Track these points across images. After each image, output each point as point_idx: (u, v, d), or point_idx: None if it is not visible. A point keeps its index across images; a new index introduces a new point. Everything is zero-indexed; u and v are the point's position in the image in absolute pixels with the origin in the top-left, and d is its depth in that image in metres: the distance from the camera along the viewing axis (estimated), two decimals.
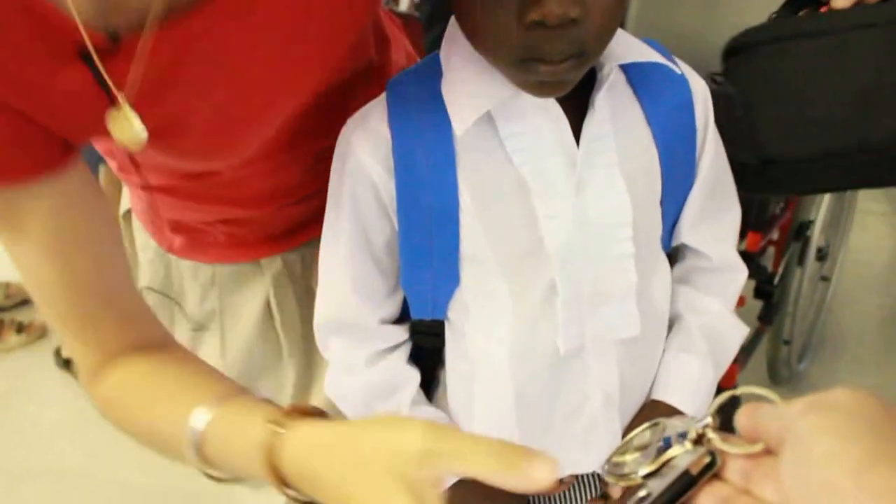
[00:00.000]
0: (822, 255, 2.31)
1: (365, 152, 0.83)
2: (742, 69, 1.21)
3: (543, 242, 0.83)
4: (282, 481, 0.61)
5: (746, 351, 2.15)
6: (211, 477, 0.72)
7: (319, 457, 0.58)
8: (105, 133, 0.69)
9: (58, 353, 2.62)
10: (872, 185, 1.30)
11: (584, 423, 0.91)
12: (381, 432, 0.55)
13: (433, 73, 0.83)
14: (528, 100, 0.79)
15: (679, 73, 0.87)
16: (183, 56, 0.69)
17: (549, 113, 0.81)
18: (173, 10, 0.66)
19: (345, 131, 0.86)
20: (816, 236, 2.07)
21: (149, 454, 2.35)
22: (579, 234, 0.83)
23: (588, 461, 0.94)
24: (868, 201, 3.03)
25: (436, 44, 0.86)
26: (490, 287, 0.86)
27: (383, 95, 0.85)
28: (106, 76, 0.65)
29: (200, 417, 0.68)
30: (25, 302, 2.95)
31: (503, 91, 0.78)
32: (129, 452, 2.27)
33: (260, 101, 0.80)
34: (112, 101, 0.67)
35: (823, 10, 1.15)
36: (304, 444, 0.60)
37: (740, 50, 1.22)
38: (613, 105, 0.84)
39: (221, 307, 1.08)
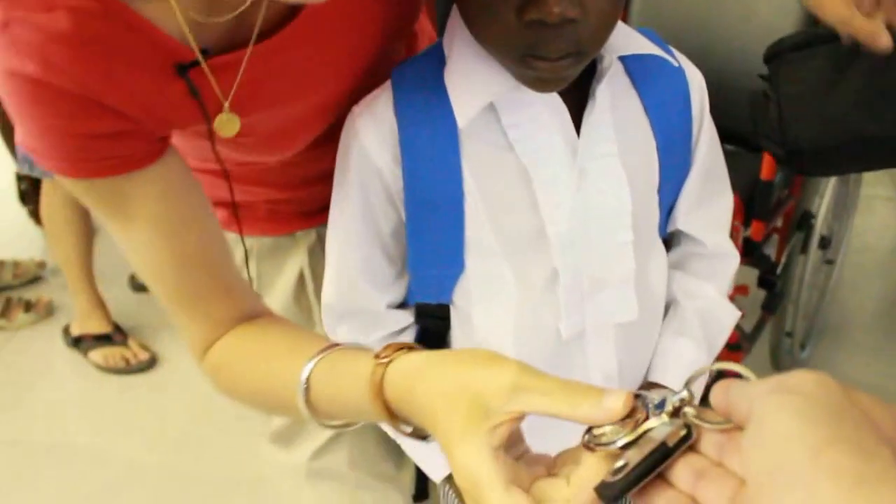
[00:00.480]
0: (825, 244, 2.33)
1: (371, 140, 0.85)
2: (777, 73, 1.37)
3: (545, 230, 0.85)
4: (387, 409, 0.65)
5: (750, 339, 2.17)
6: (324, 425, 0.76)
7: (415, 380, 0.62)
8: (191, 128, 0.78)
9: (66, 331, 2.65)
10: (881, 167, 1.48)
11: None
12: (476, 363, 0.59)
13: (436, 61, 0.85)
14: (529, 90, 0.80)
15: (676, 65, 0.89)
16: (260, 72, 0.79)
17: (550, 103, 0.83)
18: (260, 35, 0.77)
19: (350, 119, 0.87)
20: (820, 225, 2.08)
21: (156, 433, 2.39)
22: (580, 222, 0.85)
23: None
24: (873, 186, 3.04)
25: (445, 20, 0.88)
26: (494, 273, 0.88)
27: (388, 83, 0.87)
28: (196, 88, 0.75)
29: (308, 365, 0.72)
30: (34, 280, 2.98)
31: (505, 83, 0.80)
32: (137, 431, 2.33)
33: (318, 109, 0.87)
34: (202, 107, 0.77)
35: None
36: (403, 369, 0.64)
37: (773, 56, 1.37)
38: (613, 96, 0.85)
39: (258, 274, 1.12)
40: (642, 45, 0.85)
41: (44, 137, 0.72)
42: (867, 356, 2.45)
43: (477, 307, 0.90)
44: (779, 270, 2.07)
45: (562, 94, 0.82)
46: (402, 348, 0.66)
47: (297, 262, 1.11)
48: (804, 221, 2.05)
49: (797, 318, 2.22)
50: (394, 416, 0.65)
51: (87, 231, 2.56)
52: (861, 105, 1.25)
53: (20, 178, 3.19)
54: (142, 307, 2.84)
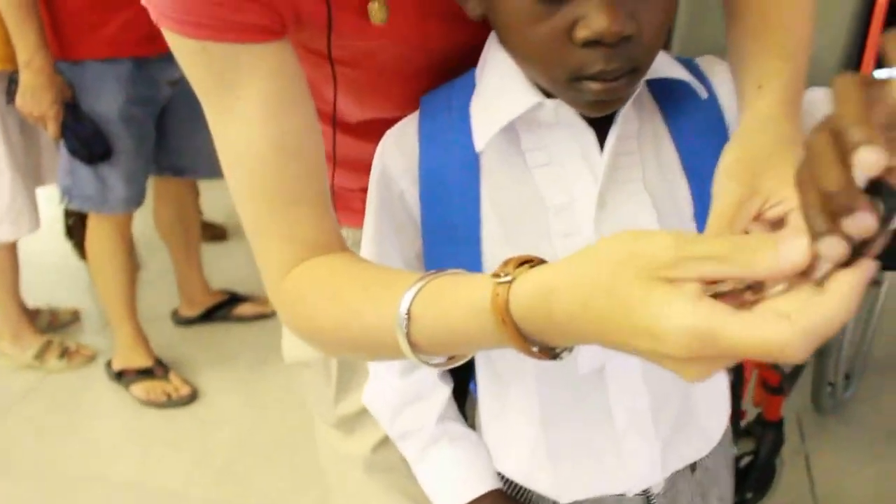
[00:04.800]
0: (876, 281, 2.28)
1: (395, 163, 0.85)
2: None
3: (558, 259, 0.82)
4: (515, 330, 0.61)
5: (790, 381, 2.14)
6: (423, 362, 0.72)
7: (551, 301, 0.59)
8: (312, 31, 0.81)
9: (108, 365, 2.69)
10: None
11: (611, 439, 0.90)
12: (625, 247, 0.55)
13: (467, 89, 0.83)
14: (551, 113, 0.78)
15: (705, 96, 0.84)
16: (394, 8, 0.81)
17: (573, 126, 0.80)
18: None
19: (381, 142, 0.87)
20: None
21: (197, 466, 2.41)
22: None
23: (623, 478, 0.93)
24: None
25: None
26: None
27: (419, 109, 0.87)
28: None
29: (408, 294, 0.68)
30: (69, 325, 3.04)
31: (524, 104, 0.77)
32: (177, 464, 2.35)
33: (430, 60, 0.88)
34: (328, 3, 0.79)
35: None
36: (531, 290, 0.60)
37: None
38: (640, 121, 0.83)
39: None
40: (672, 70, 0.81)
41: None
42: None
43: None
44: None
45: (585, 116, 0.80)
46: (521, 264, 0.63)
47: None
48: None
49: (840, 365, 2.19)
50: (522, 338, 0.62)
51: (132, 265, 2.61)
52: None
53: (68, 213, 3.26)
54: (184, 342, 2.89)
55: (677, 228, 0.78)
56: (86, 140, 2.29)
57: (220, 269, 3.13)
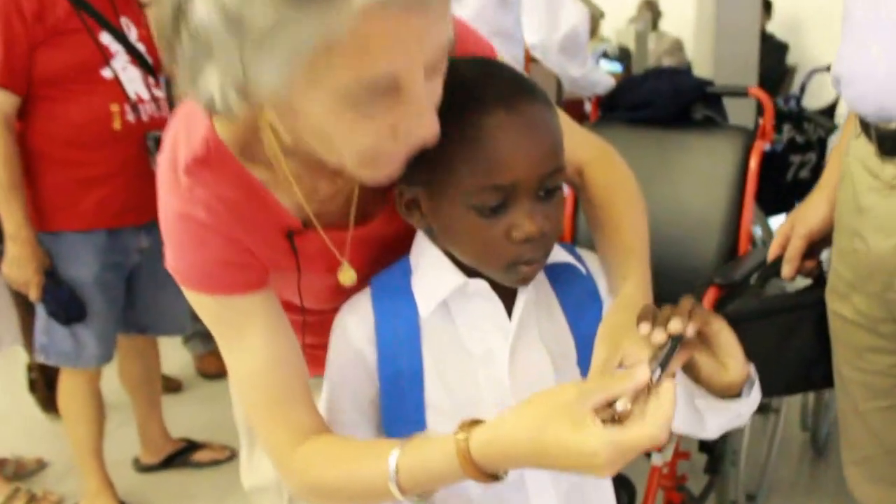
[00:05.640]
0: (765, 408, 2.49)
1: (354, 330, 1.10)
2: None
3: (483, 397, 1.07)
4: (477, 468, 0.89)
5: (699, 502, 2.33)
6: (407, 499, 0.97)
7: (503, 436, 0.88)
8: (286, 274, 1.10)
9: None
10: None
11: None
12: (541, 400, 0.88)
13: (405, 272, 1.11)
14: (472, 288, 1.05)
15: (584, 273, 1.13)
16: (363, 244, 1.13)
17: (488, 298, 1.06)
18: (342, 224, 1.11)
19: (339, 315, 1.13)
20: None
21: None
22: (512, 391, 1.07)
23: None
24: None
25: None
26: (449, 428, 1.02)
27: (369, 287, 1.13)
28: (296, 248, 1.08)
29: (394, 453, 0.94)
30: (34, 474, 3.16)
31: (454, 285, 1.05)
32: None
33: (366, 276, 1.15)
34: (297, 261, 1.09)
35: None
36: (489, 433, 0.90)
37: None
38: (536, 292, 1.10)
39: None
40: (563, 256, 1.09)
41: (195, 263, 1.03)
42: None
43: None
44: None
45: (498, 292, 1.05)
46: (475, 423, 0.91)
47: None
48: None
49: (739, 485, 2.38)
50: (480, 471, 0.90)
51: (101, 415, 2.76)
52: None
53: (30, 368, 3.43)
54: (145, 487, 3.00)
55: (574, 379, 1.11)
56: (63, 303, 2.48)
57: (177, 418, 3.30)
